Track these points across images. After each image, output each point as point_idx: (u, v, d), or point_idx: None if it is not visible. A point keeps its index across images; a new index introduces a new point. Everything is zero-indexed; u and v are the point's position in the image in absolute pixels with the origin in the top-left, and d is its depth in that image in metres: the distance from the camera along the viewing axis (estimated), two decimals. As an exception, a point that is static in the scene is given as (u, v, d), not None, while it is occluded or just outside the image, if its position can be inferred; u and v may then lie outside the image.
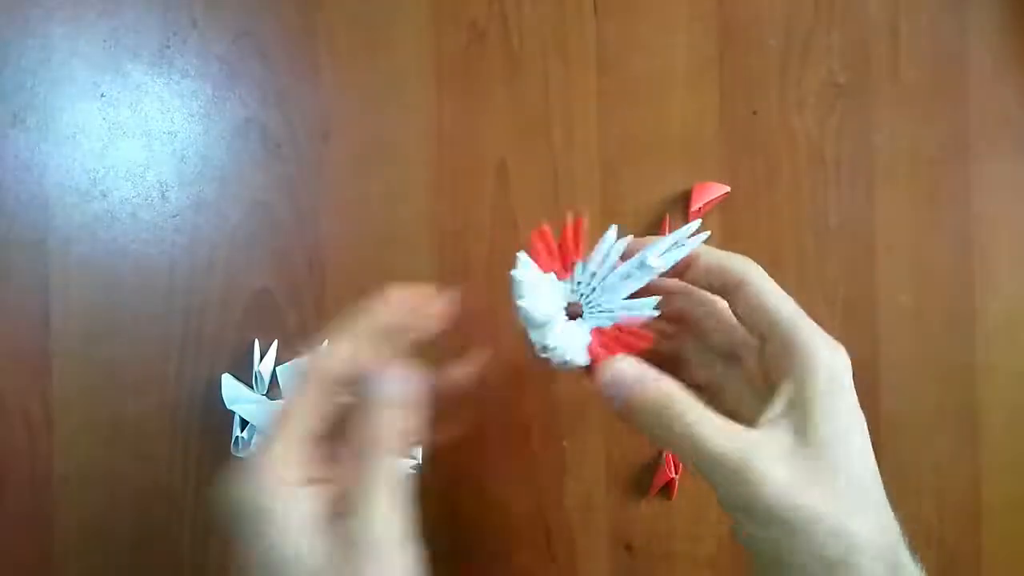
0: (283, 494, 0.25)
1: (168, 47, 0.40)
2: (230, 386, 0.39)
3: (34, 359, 0.39)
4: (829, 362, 0.26)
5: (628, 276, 0.29)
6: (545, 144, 0.41)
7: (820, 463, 0.25)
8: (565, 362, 0.29)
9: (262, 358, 0.40)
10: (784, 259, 0.42)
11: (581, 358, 0.29)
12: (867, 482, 0.26)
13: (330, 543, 0.25)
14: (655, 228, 0.41)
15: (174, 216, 0.40)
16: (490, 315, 0.41)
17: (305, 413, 0.27)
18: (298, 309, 0.40)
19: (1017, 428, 0.42)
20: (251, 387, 0.40)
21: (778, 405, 0.26)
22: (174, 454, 0.40)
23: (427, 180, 0.41)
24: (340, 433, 0.28)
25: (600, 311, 0.30)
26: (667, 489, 0.41)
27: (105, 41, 0.40)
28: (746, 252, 0.41)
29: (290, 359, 0.40)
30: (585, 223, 0.30)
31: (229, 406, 0.39)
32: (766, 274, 0.28)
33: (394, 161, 0.41)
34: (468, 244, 0.41)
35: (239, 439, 0.39)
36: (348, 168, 0.41)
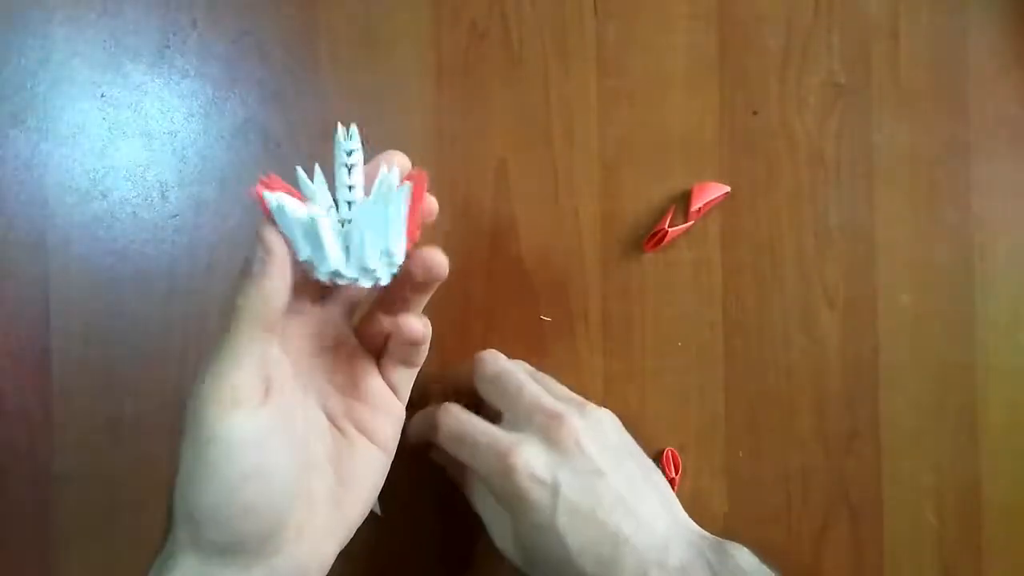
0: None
1: (168, 47, 0.40)
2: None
3: (34, 359, 0.39)
4: (494, 486, 0.33)
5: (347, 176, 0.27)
6: (545, 144, 0.41)
7: (524, 548, 0.33)
8: (386, 255, 0.26)
9: (262, 358, 0.40)
10: (784, 259, 0.42)
11: (399, 235, 0.26)
12: (563, 559, 0.32)
13: None
14: (655, 228, 0.41)
15: (174, 216, 0.40)
16: (489, 315, 0.41)
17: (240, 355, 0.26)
18: (298, 309, 0.40)
19: (1017, 428, 0.42)
20: (251, 387, 0.40)
21: None
22: (174, 454, 0.40)
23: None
24: None
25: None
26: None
27: (105, 41, 0.40)
28: (746, 252, 0.42)
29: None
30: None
31: (229, 406, 0.39)
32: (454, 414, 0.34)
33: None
34: (468, 244, 0.41)
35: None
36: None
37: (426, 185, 0.28)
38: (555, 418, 0.33)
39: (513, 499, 0.32)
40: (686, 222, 0.41)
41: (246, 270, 0.26)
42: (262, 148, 0.40)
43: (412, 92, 0.41)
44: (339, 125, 0.28)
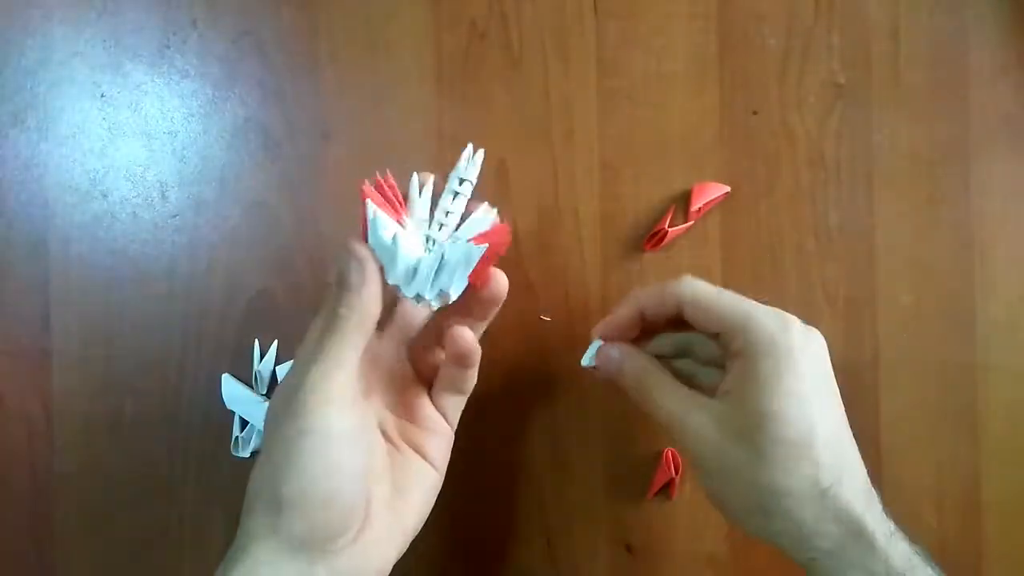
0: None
1: (168, 47, 0.40)
2: (230, 386, 0.39)
3: (34, 359, 0.39)
4: (772, 333, 0.31)
5: (451, 204, 0.31)
6: (545, 144, 0.41)
7: (747, 428, 0.30)
8: (442, 292, 0.29)
9: (262, 358, 0.40)
10: (784, 259, 0.42)
11: (461, 280, 0.29)
12: (799, 444, 0.30)
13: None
14: (655, 228, 0.41)
15: (174, 216, 0.40)
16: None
17: (341, 362, 0.29)
18: (298, 309, 0.40)
19: (1017, 428, 0.42)
20: (251, 387, 0.40)
21: (728, 382, 0.32)
22: (174, 454, 0.40)
23: (427, 180, 0.41)
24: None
25: (453, 243, 0.30)
26: (667, 489, 0.41)
27: (105, 41, 0.40)
28: (746, 252, 0.42)
29: (290, 359, 0.40)
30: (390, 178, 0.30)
31: (229, 406, 0.39)
32: (699, 283, 0.33)
33: (394, 161, 0.41)
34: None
35: (239, 439, 0.39)
36: (348, 168, 0.41)
37: (507, 241, 0.31)
38: (808, 325, 0.33)
39: (783, 356, 0.30)
40: (686, 222, 0.41)
41: (343, 282, 0.29)
42: (262, 148, 0.40)
43: (412, 92, 0.41)
44: (469, 146, 0.32)
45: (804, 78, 0.42)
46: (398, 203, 0.30)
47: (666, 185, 0.42)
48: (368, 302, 0.29)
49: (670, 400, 0.33)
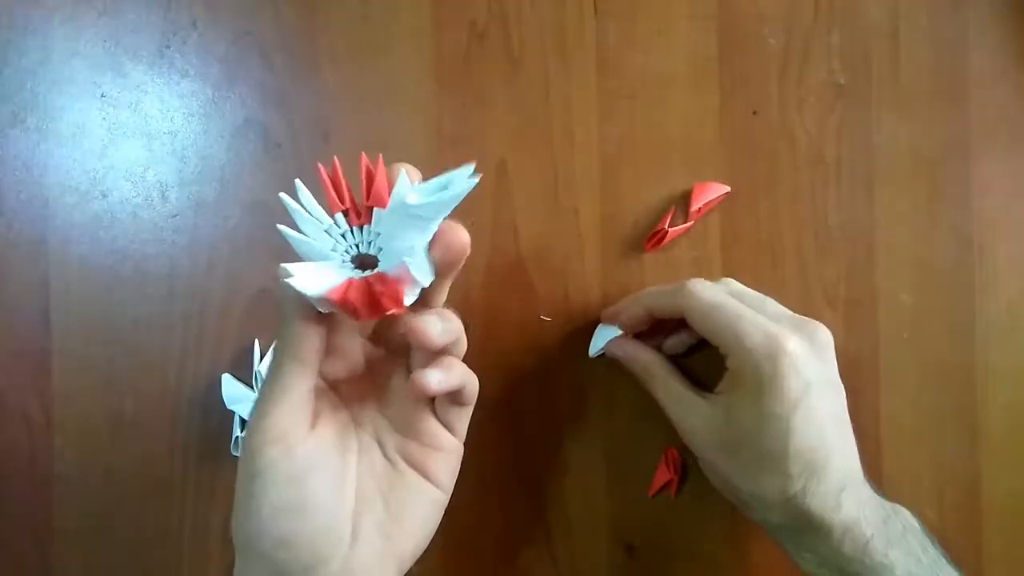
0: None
1: (168, 47, 0.40)
2: (230, 386, 0.39)
3: (34, 359, 0.39)
4: (756, 360, 0.33)
5: (404, 221, 0.26)
6: (545, 144, 0.41)
7: (729, 439, 0.34)
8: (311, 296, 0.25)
9: (262, 358, 0.40)
10: (784, 259, 0.42)
11: (315, 295, 0.25)
12: (772, 459, 0.33)
13: None
14: (655, 228, 0.41)
15: (174, 216, 0.40)
16: (489, 315, 0.41)
17: (287, 391, 0.27)
18: (298, 309, 0.40)
19: (1017, 428, 0.42)
20: (251, 387, 0.40)
21: (721, 385, 0.35)
22: (174, 454, 0.40)
23: (427, 180, 0.41)
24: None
25: (390, 260, 0.26)
26: (667, 489, 0.41)
27: (105, 41, 0.40)
28: (746, 252, 0.42)
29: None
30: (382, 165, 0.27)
31: (229, 406, 0.39)
32: (698, 293, 0.35)
33: (394, 161, 0.41)
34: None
35: (239, 439, 0.39)
36: (348, 168, 0.41)
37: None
38: (810, 323, 0.34)
39: (766, 381, 0.32)
40: (686, 222, 0.41)
41: (279, 311, 0.27)
42: (262, 148, 0.40)
43: (412, 92, 0.41)
44: (472, 167, 0.27)
45: (804, 78, 0.42)
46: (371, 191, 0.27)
47: (666, 185, 0.42)
48: (297, 333, 0.27)
49: (670, 399, 0.37)
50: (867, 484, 0.34)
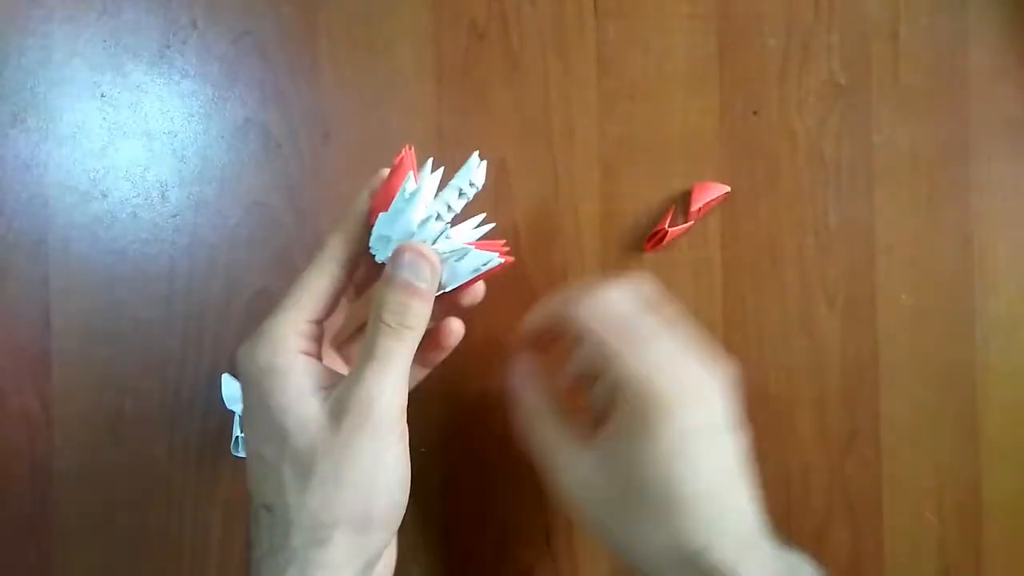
0: (291, 358, 0.28)
1: (168, 47, 0.40)
2: (230, 386, 0.39)
3: (34, 359, 0.39)
4: (641, 407, 0.30)
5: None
6: (545, 144, 0.41)
7: (612, 483, 0.30)
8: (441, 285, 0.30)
9: (262, 358, 0.40)
10: (784, 259, 0.42)
11: (462, 281, 0.30)
12: (661, 507, 0.29)
13: (328, 410, 0.27)
14: (655, 228, 0.41)
15: (174, 216, 0.40)
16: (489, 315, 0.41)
17: (313, 290, 0.29)
18: (298, 309, 0.40)
19: (1017, 428, 0.42)
20: (251, 387, 0.40)
21: (607, 429, 0.31)
22: (174, 454, 0.40)
23: (427, 180, 0.41)
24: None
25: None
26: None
27: (105, 41, 0.40)
28: (746, 252, 0.42)
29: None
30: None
31: (229, 406, 0.39)
32: (592, 303, 0.32)
33: (393, 161, 0.41)
34: (468, 244, 0.41)
35: (239, 439, 0.39)
36: (348, 168, 0.41)
37: (509, 263, 0.30)
38: (710, 361, 0.32)
39: (649, 425, 0.30)
40: (686, 222, 0.41)
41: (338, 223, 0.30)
42: (262, 148, 0.40)
43: (412, 92, 0.41)
44: (476, 154, 0.31)
45: (804, 78, 0.42)
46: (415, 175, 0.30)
47: (666, 185, 0.42)
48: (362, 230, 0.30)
49: (545, 449, 0.33)
50: (767, 538, 0.31)
